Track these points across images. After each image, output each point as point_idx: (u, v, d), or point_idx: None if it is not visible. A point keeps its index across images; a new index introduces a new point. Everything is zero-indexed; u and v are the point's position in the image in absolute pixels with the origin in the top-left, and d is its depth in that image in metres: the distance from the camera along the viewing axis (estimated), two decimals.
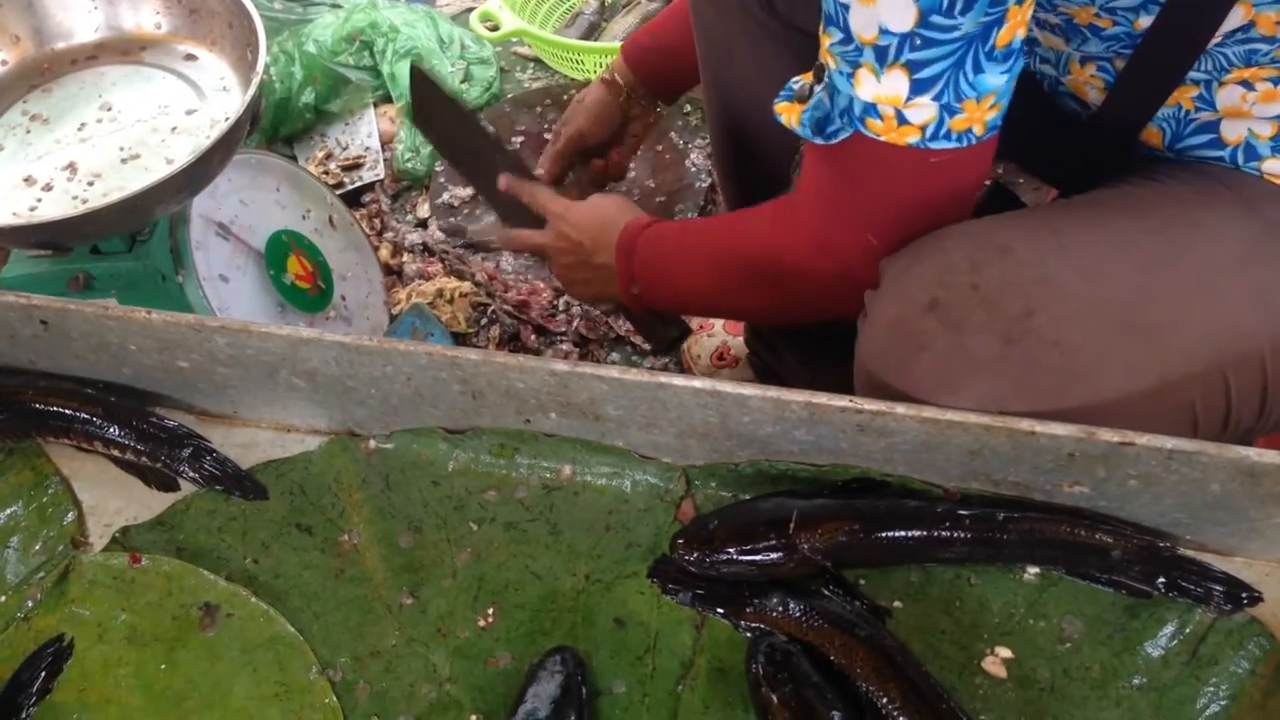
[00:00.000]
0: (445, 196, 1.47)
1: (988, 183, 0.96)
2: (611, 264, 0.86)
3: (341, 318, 1.17)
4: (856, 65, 0.58)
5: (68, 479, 0.79)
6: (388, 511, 0.74)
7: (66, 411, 0.76)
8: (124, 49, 1.03)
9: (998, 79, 0.57)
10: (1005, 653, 0.64)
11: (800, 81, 0.66)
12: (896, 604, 0.67)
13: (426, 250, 1.42)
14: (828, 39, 0.59)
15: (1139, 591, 0.64)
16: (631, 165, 1.44)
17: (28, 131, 0.97)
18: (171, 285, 0.97)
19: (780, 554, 0.65)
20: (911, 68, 0.56)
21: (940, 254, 0.63)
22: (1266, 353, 0.61)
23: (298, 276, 1.11)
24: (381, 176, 1.51)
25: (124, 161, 0.94)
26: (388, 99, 1.58)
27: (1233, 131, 0.65)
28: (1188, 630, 0.63)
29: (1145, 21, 0.61)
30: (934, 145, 0.60)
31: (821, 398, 0.63)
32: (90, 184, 0.92)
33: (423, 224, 1.48)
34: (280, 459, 0.78)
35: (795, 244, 0.72)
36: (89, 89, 1.01)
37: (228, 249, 1.04)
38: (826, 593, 0.66)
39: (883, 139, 0.60)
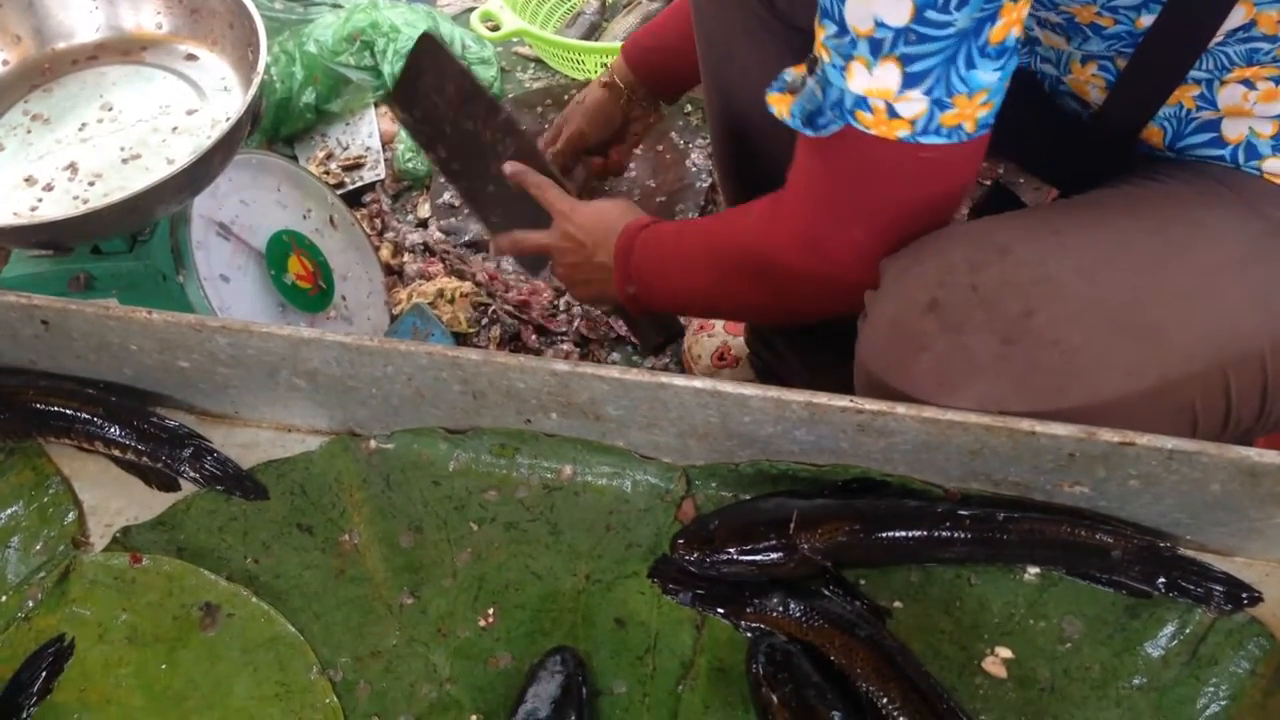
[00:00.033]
0: (446, 196, 1.47)
1: (987, 183, 0.96)
2: (611, 263, 0.86)
3: (342, 318, 1.17)
4: (849, 58, 0.58)
5: (68, 479, 0.79)
6: (388, 511, 0.74)
7: (67, 411, 0.77)
8: (125, 49, 1.03)
9: (990, 76, 0.57)
10: (1005, 653, 0.64)
11: (793, 73, 0.66)
12: (896, 604, 0.67)
13: (427, 250, 1.42)
14: (822, 32, 0.59)
15: (1139, 591, 0.64)
16: (632, 165, 1.44)
17: (28, 131, 0.97)
18: (172, 285, 0.97)
19: (780, 554, 0.65)
20: (904, 61, 0.56)
21: (940, 254, 0.63)
22: (1266, 352, 0.61)
23: (298, 276, 1.11)
24: (382, 176, 1.51)
25: (125, 161, 0.94)
26: (388, 99, 1.58)
27: (1234, 130, 0.65)
28: (1188, 630, 0.63)
29: (1147, 20, 0.61)
30: (924, 140, 0.60)
31: (822, 398, 0.63)
32: (91, 184, 0.92)
33: (423, 224, 1.48)
34: (281, 459, 0.78)
35: (785, 238, 0.72)
36: (90, 89, 1.01)
37: (228, 249, 1.04)
38: (827, 593, 0.66)
39: (872, 132, 0.60)
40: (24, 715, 0.66)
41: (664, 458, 0.73)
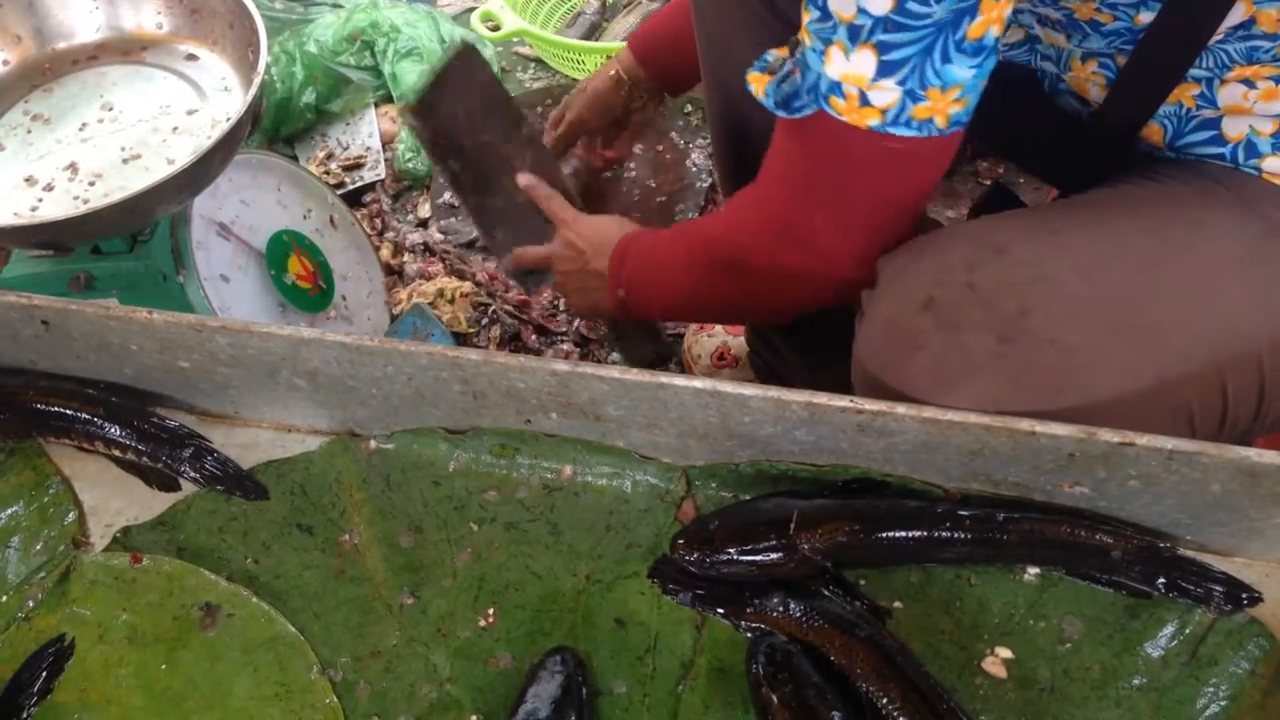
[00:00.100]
0: (446, 196, 1.47)
1: (988, 183, 0.96)
2: (606, 271, 0.87)
3: (342, 318, 1.17)
4: (829, 42, 0.58)
5: (69, 479, 0.79)
6: (388, 511, 0.74)
7: (68, 412, 0.77)
8: (125, 49, 1.03)
9: (965, 72, 0.57)
10: (1005, 653, 0.64)
11: (775, 54, 0.66)
12: (896, 604, 0.67)
13: (427, 250, 1.42)
14: (807, 16, 0.59)
15: (1139, 592, 0.64)
16: (632, 165, 1.44)
17: (29, 131, 0.97)
18: (172, 285, 0.97)
19: (780, 554, 0.65)
20: (881, 49, 0.56)
21: (937, 253, 0.63)
22: (1264, 353, 0.61)
23: (299, 276, 1.11)
24: (382, 176, 1.51)
25: (125, 161, 0.94)
26: (389, 99, 1.58)
27: (1234, 129, 0.65)
28: (1188, 631, 0.63)
29: (1146, 17, 0.61)
30: (893, 130, 0.60)
31: (822, 398, 0.63)
32: (91, 184, 0.92)
33: (423, 224, 1.48)
34: (281, 459, 0.78)
35: (758, 224, 0.72)
36: (90, 89, 1.01)
37: (229, 249, 1.04)
38: (826, 593, 0.66)
39: (844, 119, 0.60)
40: (24, 715, 0.66)
41: (664, 458, 0.73)
